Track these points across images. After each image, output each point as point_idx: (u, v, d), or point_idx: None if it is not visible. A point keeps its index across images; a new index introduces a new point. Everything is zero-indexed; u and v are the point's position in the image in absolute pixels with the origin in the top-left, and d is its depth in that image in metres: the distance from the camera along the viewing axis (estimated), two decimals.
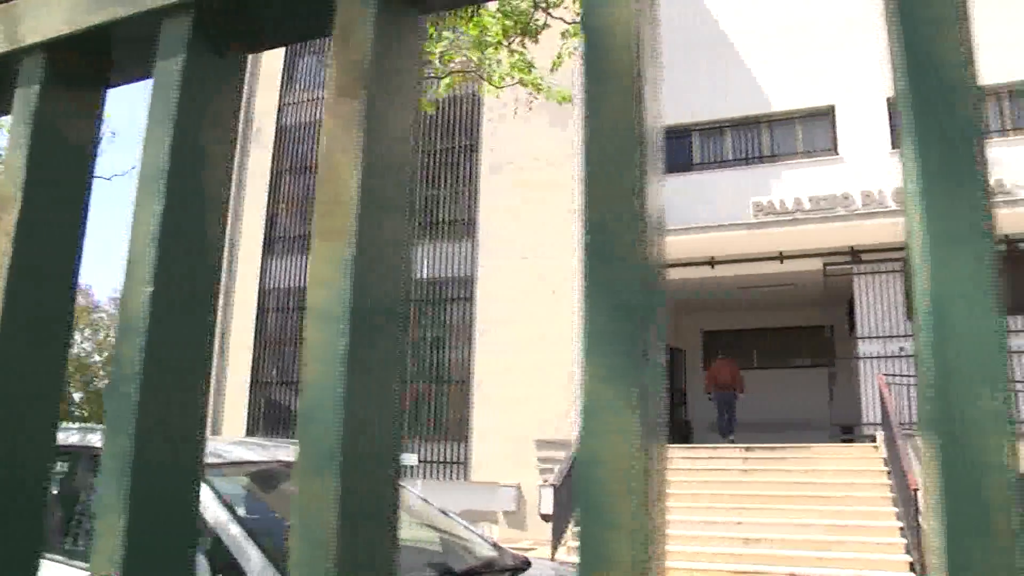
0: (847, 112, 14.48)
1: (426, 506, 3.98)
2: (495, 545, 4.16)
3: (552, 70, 7.69)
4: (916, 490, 9.79)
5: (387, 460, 0.44)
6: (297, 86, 17.91)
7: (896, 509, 10.04)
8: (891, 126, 14.31)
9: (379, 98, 0.46)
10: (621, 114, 0.36)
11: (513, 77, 7.62)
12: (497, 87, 7.67)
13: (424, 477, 14.69)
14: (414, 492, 4.23)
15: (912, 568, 9.18)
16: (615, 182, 0.36)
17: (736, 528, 10.31)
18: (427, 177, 16.38)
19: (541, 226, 14.43)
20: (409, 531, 3.72)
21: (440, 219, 16.12)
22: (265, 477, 3.94)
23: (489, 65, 7.62)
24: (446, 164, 16.36)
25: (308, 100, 17.60)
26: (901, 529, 9.74)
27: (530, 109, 11.61)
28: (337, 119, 0.46)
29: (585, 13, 0.39)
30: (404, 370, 0.46)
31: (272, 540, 3.22)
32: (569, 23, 7.63)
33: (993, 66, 13.41)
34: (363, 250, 0.44)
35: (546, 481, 10.55)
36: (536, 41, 7.70)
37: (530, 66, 7.62)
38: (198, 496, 0.54)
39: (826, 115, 14.66)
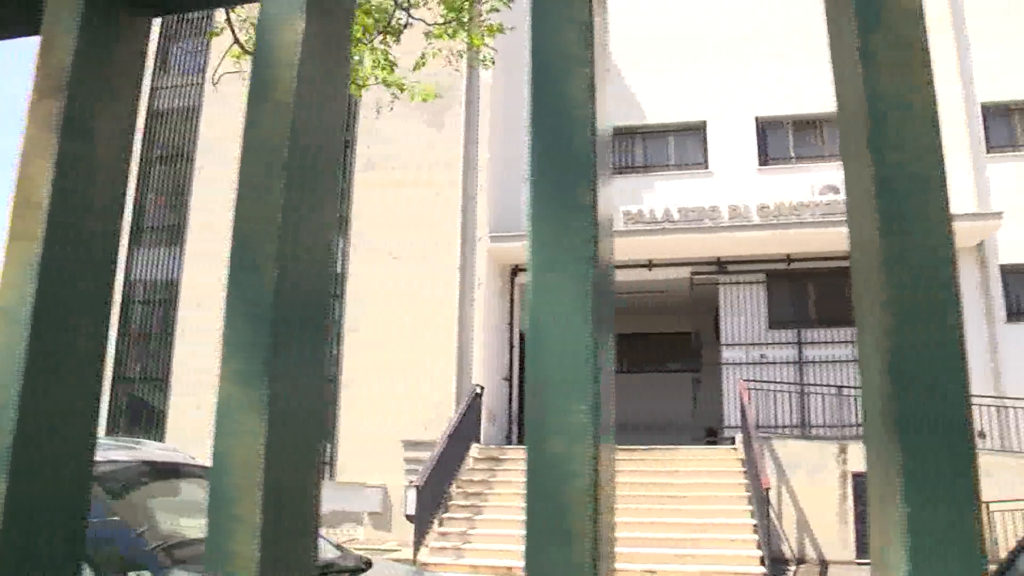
0: (718, 129, 15.11)
1: None
2: (338, 546, 4.14)
3: (415, 69, 7.65)
4: (768, 489, 10.30)
5: (74, 460, 0.45)
6: (173, 70, 17.17)
7: (751, 507, 10.54)
8: (759, 144, 15.01)
9: (83, 100, 0.47)
10: (275, 132, 0.38)
11: (377, 77, 7.53)
12: (361, 87, 7.53)
13: None
14: None
15: (762, 562, 9.65)
16: (262, 197, 0.38)
17: None
18: None
19: (414, 226, 14.34)
20: None
21: None
22: (121, 479, 3.69)
23: (352, 64, 7.51)
24: None
25: (183, 85, 16.88)
26: (754, 526, 10.23)
27: (391, 109, 11.49)
28: (36, 121, 0.46)
29: (257, 36, 0.41)
30: (100, 369, 0.47)
31: (110, 549, 3.08)
32: (431, 24, 7.62)
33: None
34: (55, 252, 0.45)
35: (411, 482, 10.52)
36: (398, 41, 7.64)
37: (393, 65, 7.55)
38: None
39: (698, 130, 15.24)
